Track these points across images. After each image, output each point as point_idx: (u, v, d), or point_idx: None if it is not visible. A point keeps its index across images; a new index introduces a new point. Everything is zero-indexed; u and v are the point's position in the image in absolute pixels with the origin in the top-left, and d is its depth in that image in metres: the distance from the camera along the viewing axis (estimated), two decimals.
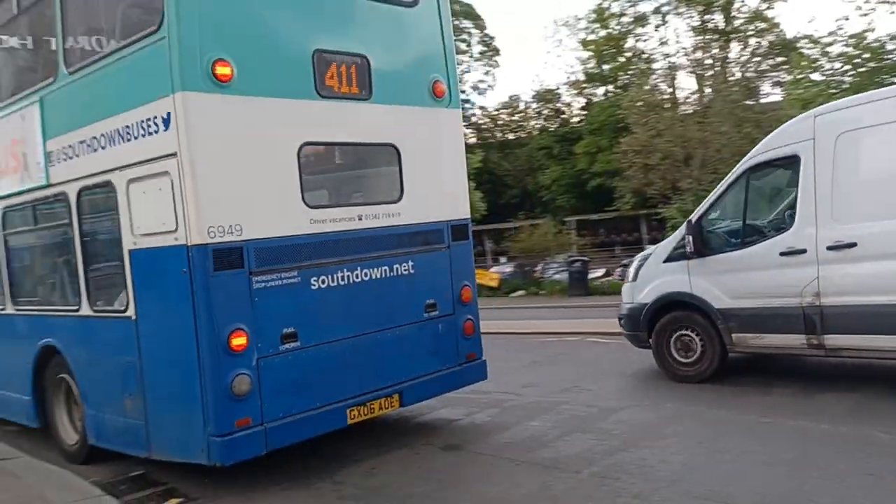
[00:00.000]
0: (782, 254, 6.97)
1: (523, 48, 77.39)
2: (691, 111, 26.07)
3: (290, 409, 5.46)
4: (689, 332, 7.81)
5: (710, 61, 28.12)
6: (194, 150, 5.07)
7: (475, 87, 45.12)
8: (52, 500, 4.98)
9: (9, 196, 7.15)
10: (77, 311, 6.30)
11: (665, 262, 8.04)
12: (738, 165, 7.77)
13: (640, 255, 8.91)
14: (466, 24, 42.09)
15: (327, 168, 6.76)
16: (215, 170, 5.18)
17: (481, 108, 44.63)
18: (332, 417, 5.72)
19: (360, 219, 6.12)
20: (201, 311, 5.11)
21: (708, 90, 26.86)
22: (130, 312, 5.62)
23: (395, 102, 6.40)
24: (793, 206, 7.03)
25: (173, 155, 5.09)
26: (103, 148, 5.78)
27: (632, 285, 8.50)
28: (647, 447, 5.59)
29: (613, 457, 5.44)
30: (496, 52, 43.89)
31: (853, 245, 6.51)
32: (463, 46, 43.48)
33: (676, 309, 7.89)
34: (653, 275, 8.17)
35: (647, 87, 27.63)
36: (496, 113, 43.83)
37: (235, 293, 5.23)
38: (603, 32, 35.32)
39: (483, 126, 43.97)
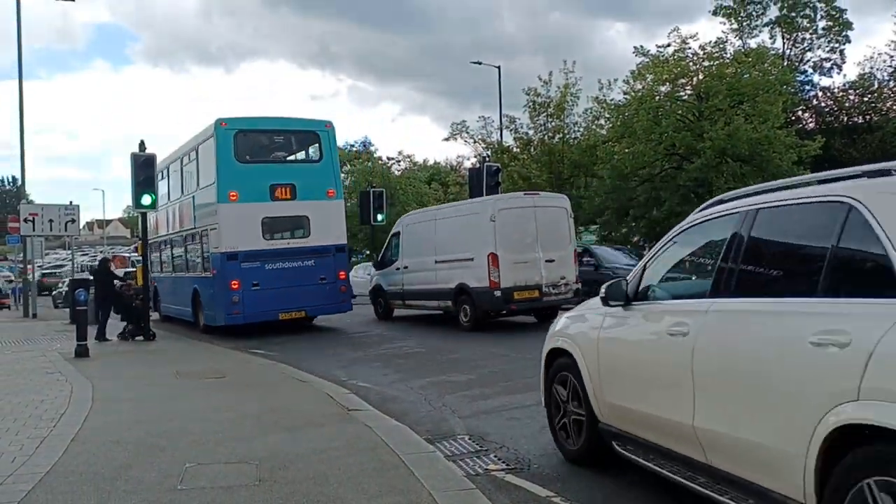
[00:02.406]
0: (396, 269, 17.88)
1: (878, 20, 67.74)
2: None
3: (254, 310, 15.60)
4: (380, 299, 19.03)
5: None
6: (221, 222, 15.77)
7: (817, 67, 40.42)
8: (392, 447, 5.71)
9: (184, 231, 18.39)
10: (203, 275, 16.99)
11: (376, 269, 19.42)
12: (390, 233, 19.26)
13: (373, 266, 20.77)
14: None
15: (275, 224, 16.38)
16: (229, 228, 15.70)
17: (823, 89, 39.93)
18: (273, 315, 15.75)
19: (288, 243, 16.40)
20: (223, 273, 15.65)
21: None
22: (211, 275, 16.16)
23: (307, 199, 16.31)
24: (398, 253, 18.10)
25: (217, 223, 15.87)
26: (205, 218, 16.61)
27: (370, 280, 20.07)
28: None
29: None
30: (846, 25, 38.83)
31: (408, 266, 17.39)
32: (804, 23, 39.20)
33: (378, 291, 19.06)
34: (373, 275, 19.63)
35: None
36: (842, 94, 38.88)
37: (234, 268, 15.54)
38: None
39: (826, 109, 39.29)
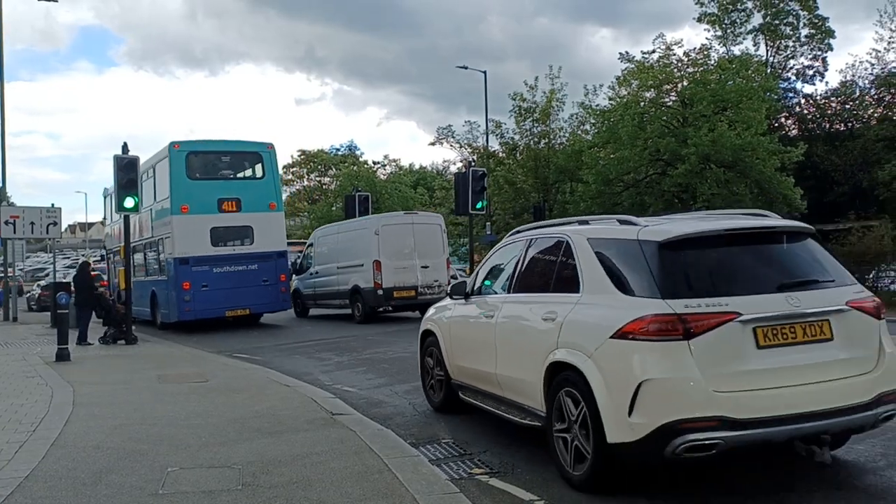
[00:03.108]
0: (310, 274, 21.48)
1: (860, 28, 68.44)
2: None
3: (203, 307, 17.91)
4: (299, 300, 22.03)
5: None
6: (175, 232, 18.18)
7: (800, 74, 40.82)
8: (377, 452, 5.70)
9: (143, 240, 20.24)
10: (160, 278, 19.27)
11: (296, 275, 21.82)
12: (306, 243, 23.56)
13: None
14: (793, 5, 38.28)
15: (222, 233, 18.66)
16: (181, 237, 18.12)
17: (806, 96, 40.31)
18: (220, 313, 18.14)
19: (234, 250, 18.69)
20: (176, 276, 18.01)
21: None
22: (166, 278, 18.67)
23: (252, 211, 18.77)
24: (311, 261, 21.74)
25: (171, 233, 18.28)
26: (161, 228, 19.06)
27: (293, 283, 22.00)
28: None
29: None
30: (828, 34, 39.27)
31: (319, 273, 21.03)
32: (787, 31, 39.55)
33: (297, 293, 21.91)
34: (294, 280, 21.73)
35: None
36: (824, 102, 39.28)
37: (185, 271, 17.97)
38: None
39: (808, 116, 39.67)
